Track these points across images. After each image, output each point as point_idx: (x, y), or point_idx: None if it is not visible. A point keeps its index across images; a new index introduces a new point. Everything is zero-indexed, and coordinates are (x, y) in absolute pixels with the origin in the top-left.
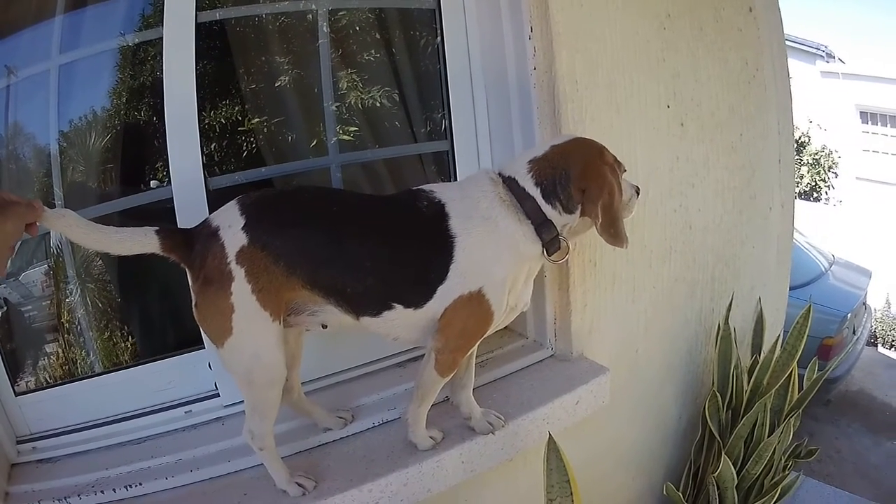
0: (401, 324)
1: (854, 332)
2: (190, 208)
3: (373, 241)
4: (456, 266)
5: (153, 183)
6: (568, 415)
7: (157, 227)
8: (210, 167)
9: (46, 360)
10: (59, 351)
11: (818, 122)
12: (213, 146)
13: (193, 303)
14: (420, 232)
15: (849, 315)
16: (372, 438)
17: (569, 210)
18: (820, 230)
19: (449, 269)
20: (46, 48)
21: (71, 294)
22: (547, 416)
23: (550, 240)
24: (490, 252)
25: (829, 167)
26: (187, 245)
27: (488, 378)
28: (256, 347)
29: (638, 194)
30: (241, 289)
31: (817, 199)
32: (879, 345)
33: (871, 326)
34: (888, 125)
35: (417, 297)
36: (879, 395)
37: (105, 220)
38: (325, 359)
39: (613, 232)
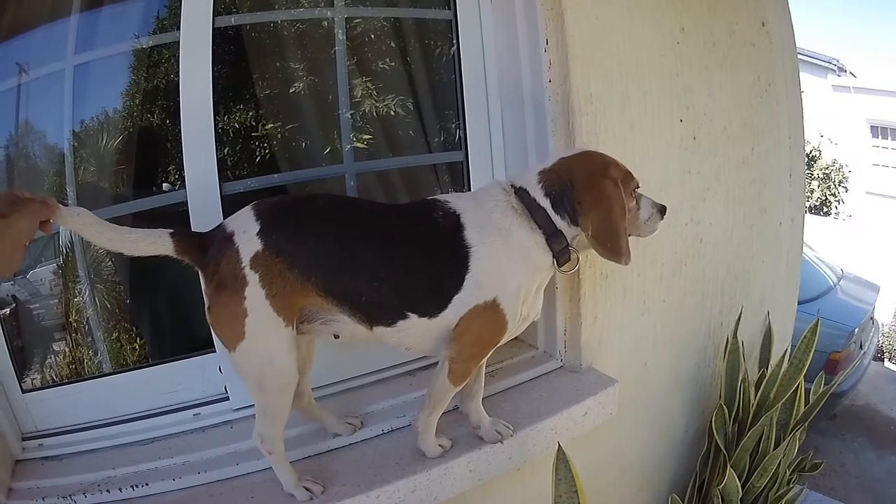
0: (414, 333)
1: (861, 347)
2: (204, 213)
3: (388, 250)
4: (471, 276)
5: (165, 186)
6: (576, 425)
7: (171, 230)
8: (223, 172)
9: (54, 359)
10: (67, 350)
11: (829, 137)
12: (226, 150)
13: (206, 306)
14: (436, 242)
15: (856, 330)
16: (381, 445)
17: (576, 221)
18: (829, 245)
19: (465, 279)
20: (62, 47)
21: (80, 293)
22: (555, 427)
23: (561, 250)
24: (504, 262)
25: (840, 181)
26: (201, 248)
27: (498, 388)
28: (269, 352)
29: (663, 214)
30: (254, 294)
31: (827, 214)
32: (886, 359)
33: (878, 341)
34: None
35: (432, 306)
36: (885, 410)
37: (117, 221)
38: (336, 365)
39: (610, 246)
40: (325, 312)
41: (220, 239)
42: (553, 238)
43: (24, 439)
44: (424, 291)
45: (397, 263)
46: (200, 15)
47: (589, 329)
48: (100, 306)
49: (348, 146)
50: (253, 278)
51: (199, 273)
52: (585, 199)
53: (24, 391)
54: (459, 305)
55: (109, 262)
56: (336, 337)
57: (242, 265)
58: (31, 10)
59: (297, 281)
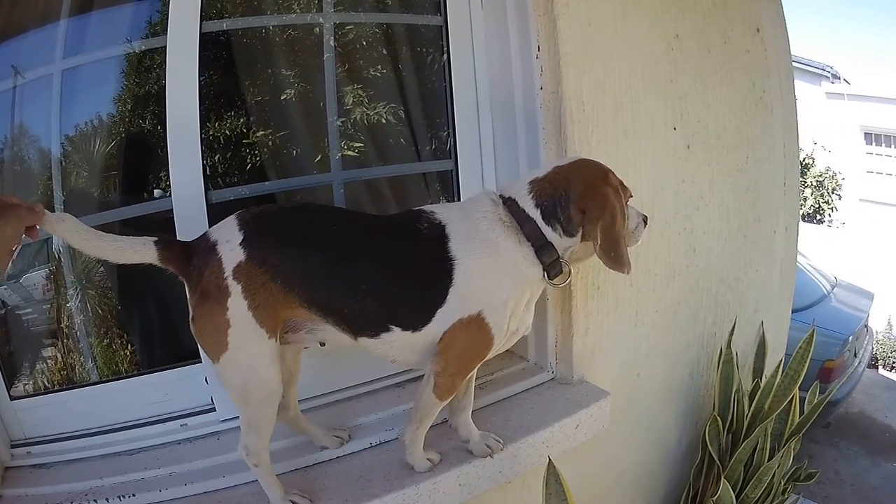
0: (399, 346)
1: (855, 355)
2: (190, 220)
3: (371, 262)
4: (455, 289)
5: (157, 192)
6: (567, 438)
7: (155, 238)
8: (213, 179)
9: (44, 365)
10: (59, 356)
11: (822, 144)
12: (217, 157)
13: (190, 316)
14: (420, 254)
15: (850, 338)
16: (369, 458)
17: (569, 233)
18: (823, 253)
19: (448, 292)
20: (50, 52)
21: (71, 299)
22: (546, 440)
23: (551, 263)
24: (490, 275)
25: (833, 189)
26: (185, 257)
27: (488, 400)
28: (252, 363)
29: (646, 223)
30: (237, 304)
31: (821, 222)
32: (880, 367)
33: (873, 349)
34: (892, 146)
35: (416, 319)
36: (879, 417)
37: (106, 228)
38: (324, 377)
39: (614, 256)
40: (310, 322)
41: (204, 248)
42: (542, 250)
43: (12, 447)
44: (408, 304)
45: (380, 276)
46: (187, 20)
47: (581, 341)
48: (91, 312)
49: (338, 154)
50: (235, 289)
51: (184, 282)
52: (591, 207)
53: (12, 398)
54: (443, 319)
55: (100, 269)
56: (322, 344)
57: (225, 275)
58: (19, 15)
59: (280, 292)
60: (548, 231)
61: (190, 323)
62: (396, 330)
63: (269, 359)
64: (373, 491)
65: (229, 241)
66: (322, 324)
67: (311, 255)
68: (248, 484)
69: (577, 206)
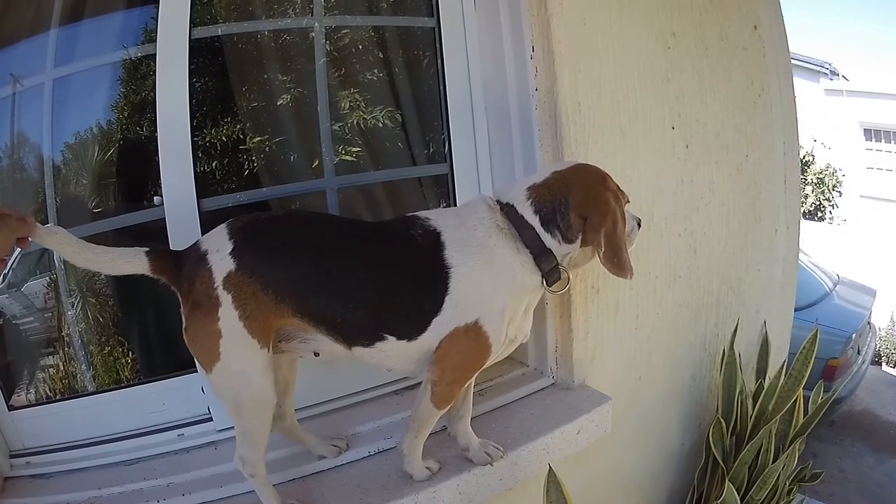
0: (394, 355)
1: (859, 353)
2: (182, 228)
3: (364, 270)
4: (451, 297)
5: (157, 200)
6: (569, 444)
7: (147, 249)
8: (210, 186)
9: (43, 375)
10: (60, 364)
11: (822, 141)
12: (213, 164)
13: (183, 327)
14: (414, 261)
15: (854, 335)
16: (367, 467)
17: (568, 239)
18: (824, 250)
19: (444, 301)
20: (41, 61)
21: (72, 308)
22: (547, 446)
23: (550, 270)
24: (487, 283)
25: (834, 186)
26: (176, 267)
27: (488, 407)
28: (244, 374)
29: (640, 226)
30: (228, 315)
31: (821, 219)
32: (883, 363)
33: (876, 345)
34: (892, 142)
35: (411, 329)
36: (883, 414)
37: (102, 236)
38: (321, 385)
39: (617, 262)
40: (303, 332)
41: (194, 258)
42: (541, 257)
43: (12, 457)
44: (402, 314)
45: (372, 285)
46: (177, 26)
47: (581, 345)
48: (91, 321)
49: (335, 159)
50: (226, 299)
51: (176, 292)
52: (593, 214)
53: (11, 409)
54: (439, 328)
55: (101, 277)
56: (316, 354)
57: (215, 285)
58: (9, 24)
59: (271, 302)
60: (547, 238)
61: (183, 333)
62: (391, 339)
63: (261, 369)
64: (371, 500)
65: (219, 251)
66: (315, 333)
67: (302, 263)
68: (245, 494)
69: (577, 212)
